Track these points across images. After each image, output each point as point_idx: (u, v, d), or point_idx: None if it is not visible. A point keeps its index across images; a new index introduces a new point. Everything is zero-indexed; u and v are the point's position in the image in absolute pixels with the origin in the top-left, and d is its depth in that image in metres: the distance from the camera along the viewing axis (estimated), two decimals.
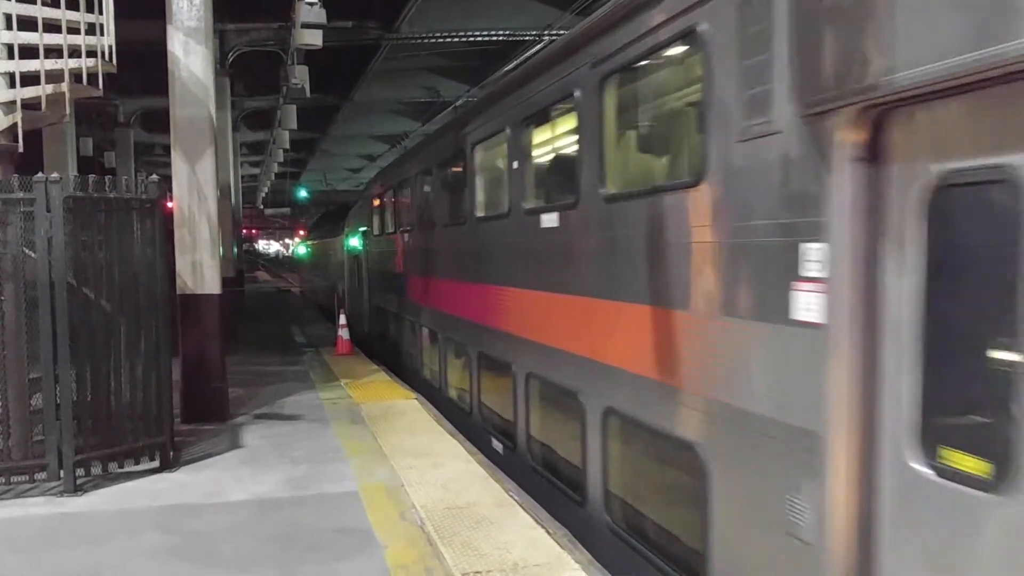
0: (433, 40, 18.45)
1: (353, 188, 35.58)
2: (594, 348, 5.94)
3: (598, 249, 5.89)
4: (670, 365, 4.79)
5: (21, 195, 6.75)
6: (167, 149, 10.52)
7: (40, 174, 6.86)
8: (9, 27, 7.53)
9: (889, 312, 3.30)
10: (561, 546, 5.51)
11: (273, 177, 40.22)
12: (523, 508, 6.31)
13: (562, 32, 16.00)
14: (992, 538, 2.77)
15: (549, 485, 7.05)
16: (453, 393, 10.75)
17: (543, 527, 5.88)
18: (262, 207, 61.68)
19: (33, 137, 8.92)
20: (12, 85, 7.51)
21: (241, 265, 27.94)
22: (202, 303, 9.80)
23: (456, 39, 18.37)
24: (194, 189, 9.64)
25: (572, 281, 6.36)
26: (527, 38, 18.12)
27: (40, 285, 6.79)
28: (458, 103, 23.91)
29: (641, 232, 5.15)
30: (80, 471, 7.06)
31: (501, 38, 18.31)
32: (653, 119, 6.04)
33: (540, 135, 7.54)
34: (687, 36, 4.64)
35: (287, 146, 26.67)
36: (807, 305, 3.57)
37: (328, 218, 32.72)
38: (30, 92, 7.53)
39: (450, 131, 10.57)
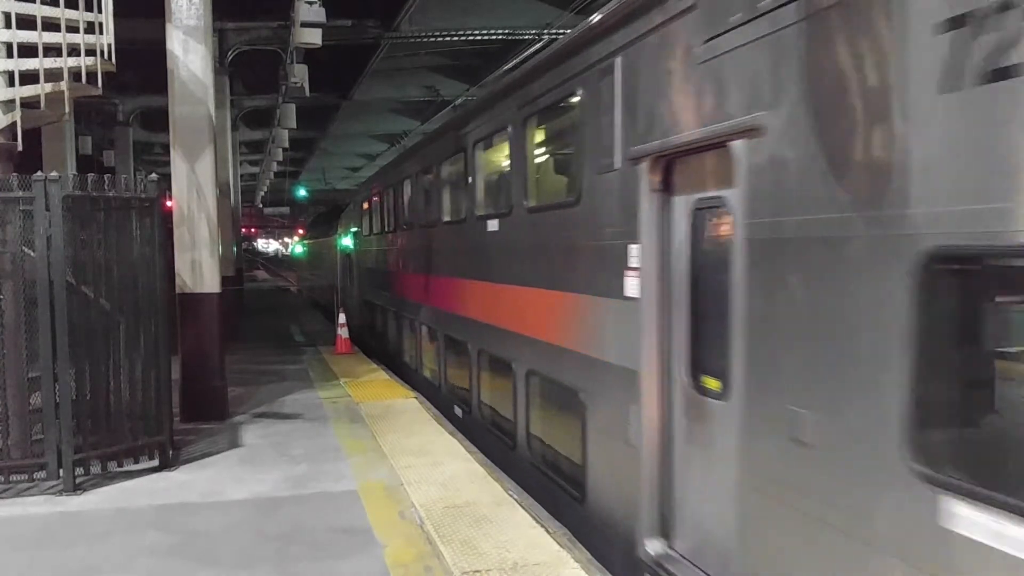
0: (432, 39, 18.44)
1: (353, 187, 35.67)
2: (522, 325, 7.60)
3: (523, 248, 7.62)
4: (564, 333, 6.53)
5: (20, 194, 6.75)
6: (166, 148, 10.51)
7: (39, 173, 6.86)
8: (8, 26, 7.52)
9: (674, 288, 4.97)
10: (560, 545, 5.51)
11: (272, 176, 40.23)
12: (522, 507, 6.32)
13: (562, 31, 16.04)
14: (726, 425, 4.37)
15: (495, 438, 8.70)
16: (427, 372, 12.27)
17: (542, 526, 5.88)
18: (261, 206, 61.68)
19: (32, 136, 8.92)
20: (11, 84, 7.50)
21: (240, 264, 27.93)
22: (201, 302, 9.80)
23: (455, 38, 18.36)
24: (193, 188, 9.63)
25: (507, 274, 8.08)
26: (526, 37, 18.11)
27: (39, 284, 6.78)
28: (457, 102, 23.92)
29: (548, 236, 6.98)
30: (79, 470, 7.06)
31: (500, 37, 18.30)
32: (555, 152, 7.90)
33: (486, 158, 9.30)
34: (571, 96, 6.50)
35: (286, 145, 26.68)
36: (631, 285, 5.24)
37: (322, 219, 34.39)
38: (29, 91, 7.52)
39: (422, 149, 12.87)
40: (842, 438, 3.40)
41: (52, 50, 7.55)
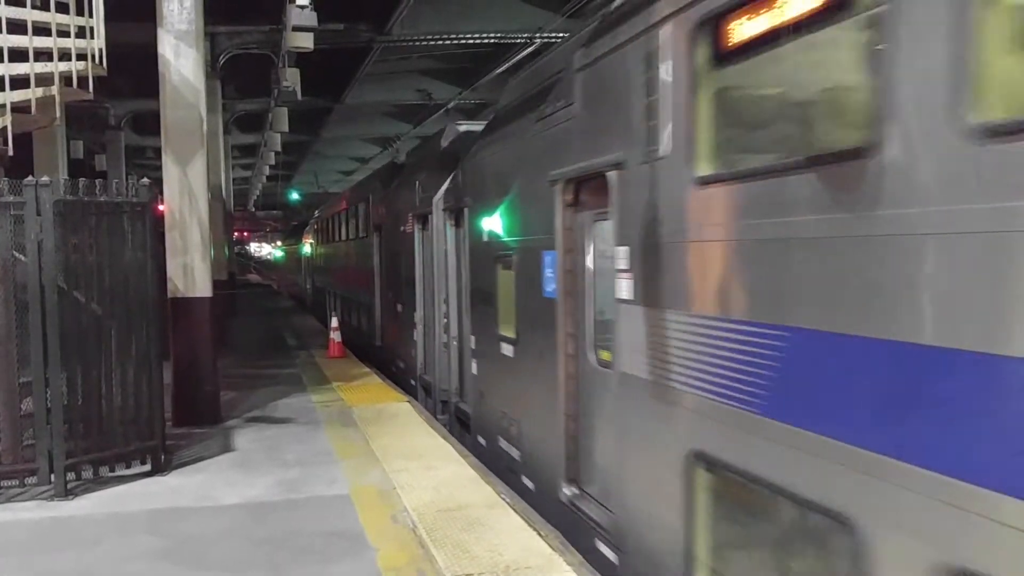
0: (425, 43, 18.47)
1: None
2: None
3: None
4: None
5: (11, 199, 6.73)
6: (158, 152, 10.49)
7: (30, 177, 6.85)
8: None
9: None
10: (553, 548, 5.52)
11: (265, 180, 40.14)
12: (514, 510, 6.32)
13: (554, 35, 16.06)
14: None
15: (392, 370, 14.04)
16: (338, 312, 20.58)
17: (535, 529, 5.89)
18: (254, 209, 61.53)
19: (23, 140, 8.91)
20: (1, 88, 7.49)
21: (233, 268, 27.89)
22: (193, 306, 9.79)
23: (448, 42, 18.39)
24: (185, 192, 9.62)
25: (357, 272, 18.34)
26: (518, 41, 18.14)
27: (31, 288, 6.77)
28: (450, 105, 23.95)
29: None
30: (71, 475, 7.04)
31: (492, 41, 18.33)
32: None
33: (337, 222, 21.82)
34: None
35: (279, 148, 26.60)
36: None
37: (291, 232, 48.36)
38: (20, 95, 7.52)
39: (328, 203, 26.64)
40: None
41: (43, 54, 7.56)
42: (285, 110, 22.12)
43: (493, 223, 8.00)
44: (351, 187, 26.45)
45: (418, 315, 11.85)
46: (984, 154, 2.52)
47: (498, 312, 8.10)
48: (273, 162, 31.39)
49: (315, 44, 13.10)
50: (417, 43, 18.46)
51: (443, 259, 10.42)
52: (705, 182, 4.21)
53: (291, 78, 16.61)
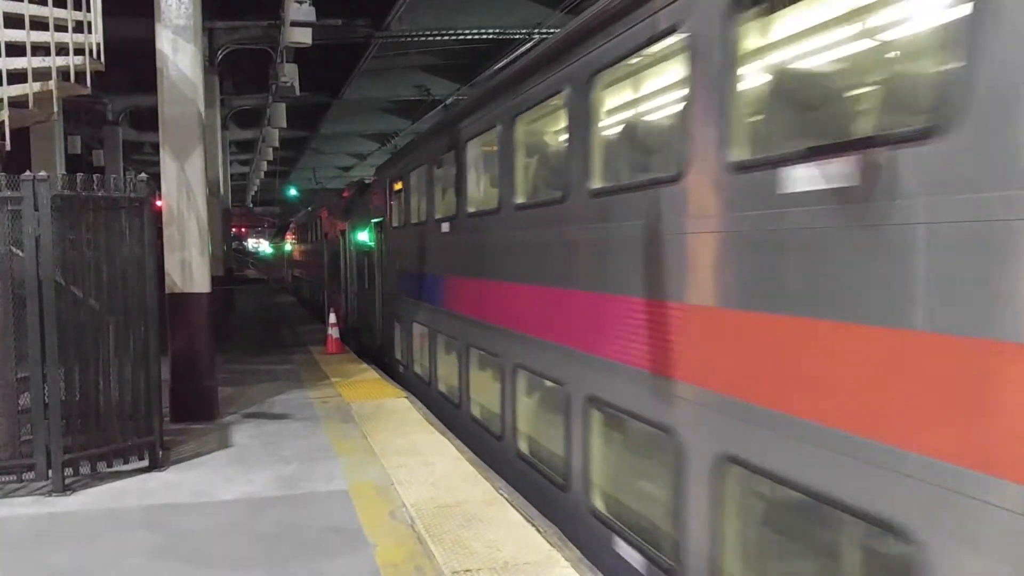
0: (423, 38, 18.43)
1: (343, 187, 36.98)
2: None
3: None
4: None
5: (8, 194, 6.72)
6: (156, 147, 10.47)
7: (28, 172, 6.83)
8: None
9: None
10: (551, 544, 5.52)
11: (263, 175, 40.09)
12: (513, 506, 6.33)
13: (551, 30, 16.04)
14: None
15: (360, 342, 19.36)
16: (304, 293, 31.76)
17: (533, 525, 5.89)
18: (252, 205, 61.45)
19: (21, 135, 8.89)
20: None
21: (231, 264, 27.88)
22: (191, 302, 9.77)
23: (446, 37, 18.35)
24: (183, 187, 9.60)
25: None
26: (517, 37, 18.12)
27: (28, 284, 6.75)
28: (448, 101, 23.92)
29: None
30: (68, 471, 7.04)
31: (491, 36, 18.30)
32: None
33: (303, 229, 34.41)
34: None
35: (276, 144, 26.58)
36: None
37: (278, 232, 57.75)
38: (17, 90, 7.49)
39: (309, 213, 35.16)
40: None
41: (40, 49, 7.53)
42: (283, 106, 22.08)
43: (357, 236, 17.33)
44: (309, 209, 37.16)
45: (343, 282, 19.98)
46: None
47: (360, 274, 17.37)
48: (271, 158, 31.38)
49: (313, 39, 13.05)
50: (415, 39, 18.43)
51: (346, 253, 19.37)
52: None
53: (289, 74, 16.59)
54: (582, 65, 5.90)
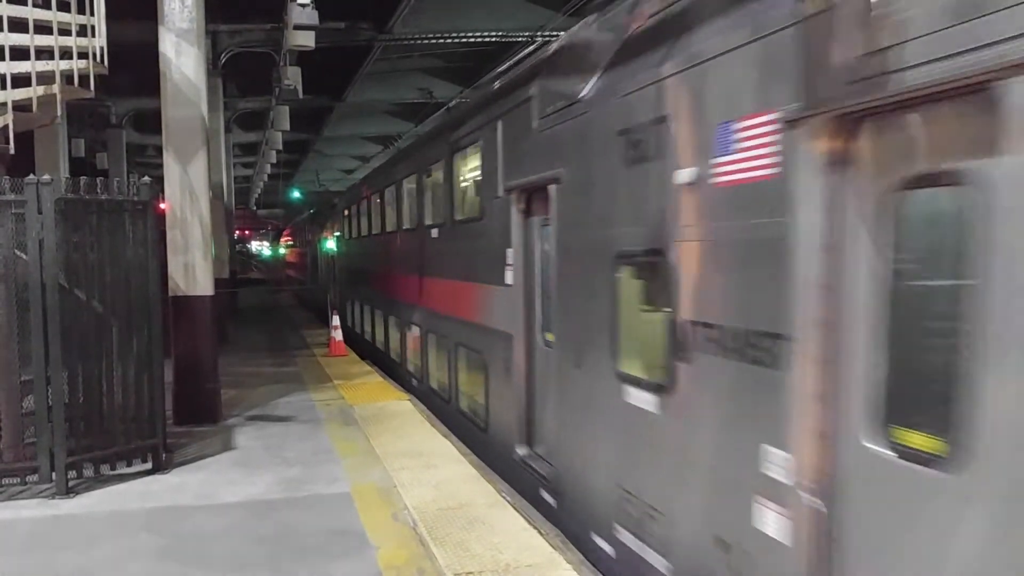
0: (426, 41, 18.45)
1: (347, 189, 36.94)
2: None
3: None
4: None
5: (12, 197, 6.74)
6: (159, 150, 10.47)
7: (31, 176, 6.85)
8: (0, 29, 7.51)
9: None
10: (553, 547, 5.53)
11: (266, 178, 40.12)
12: (515, 509, 6.33)
13: (555, 33, 16.05)
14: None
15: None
16: (294, 286, 41.06)
17: (535, 527, 5.90)
18: (255, 208, 61.54)
19: (24, 139, 8.90)
20: (3, 87, 7.50)
21: (235, 266, 27.95)
22: (194, 304, 9.79)
23: (449, 40, 18.37)
24: (186, 190, 9.63)
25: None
26: (520, 39, 18.14)
27: (32, 287, 6.78)
28: (451, 104, 23.95)
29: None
30: (72, 473, 7.06)
31: (494, 39, 18.32)
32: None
33: (293, 234, 44.62)
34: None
35: (280, 147, 26.64)
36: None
37: (275, 238, 65.01)
38: (21, 94, 7.52)
39: (290, 224, 49.15)
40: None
41: (44, 53, 7.55)
42: (286, 108, 22.12)
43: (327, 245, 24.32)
44: (301, 217, 42.04)
45: (329, 276, 24.63)
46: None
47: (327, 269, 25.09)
48: (274, 160, 31.40)
49: (316, 42, 13.11)
50: (418, 41, 18.45)
51: (329, 255, 24.32)
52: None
53: (292, 76, 16.62)
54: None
